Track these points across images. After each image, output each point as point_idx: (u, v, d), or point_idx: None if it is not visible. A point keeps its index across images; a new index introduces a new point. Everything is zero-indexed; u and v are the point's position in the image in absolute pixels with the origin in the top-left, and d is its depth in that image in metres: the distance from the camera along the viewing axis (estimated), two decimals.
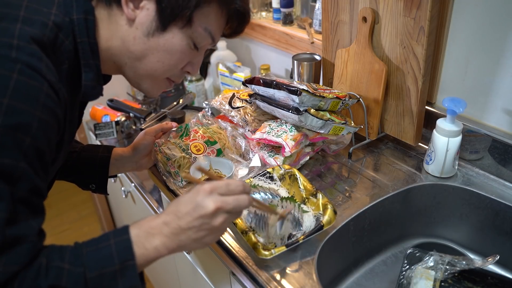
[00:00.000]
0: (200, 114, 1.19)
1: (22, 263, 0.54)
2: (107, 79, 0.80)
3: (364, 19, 1.04)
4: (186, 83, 1.65)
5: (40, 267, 0.56)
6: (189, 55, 0.76)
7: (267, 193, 0.92)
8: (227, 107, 1.19)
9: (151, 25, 0.70)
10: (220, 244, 0.89)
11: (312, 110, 0.98)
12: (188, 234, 0.65)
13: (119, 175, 1.53)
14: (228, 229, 0.91)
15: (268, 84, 1.04)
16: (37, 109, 0.57)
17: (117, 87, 1.80)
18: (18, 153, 0.56)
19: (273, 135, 1.03)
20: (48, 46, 0.61)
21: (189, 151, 1.06)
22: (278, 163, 1.02)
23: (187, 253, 1.16)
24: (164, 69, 0.75)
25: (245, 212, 0.89)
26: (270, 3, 1.59)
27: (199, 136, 1.10)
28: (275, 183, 0.97)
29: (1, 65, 0.56)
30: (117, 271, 0.60)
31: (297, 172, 0.95)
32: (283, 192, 0.94)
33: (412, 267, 0.87)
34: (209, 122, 1.18)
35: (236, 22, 0.77)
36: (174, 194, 1.03)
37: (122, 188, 1.55)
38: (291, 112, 0.99)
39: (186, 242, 0.66)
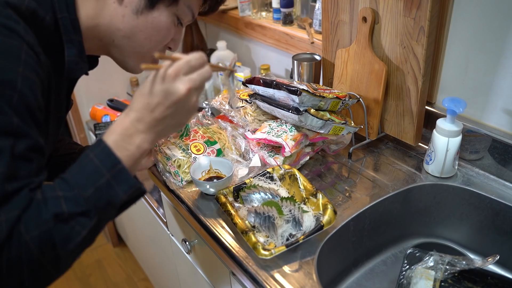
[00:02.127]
0: (200, 114, 1.19)
1: (21, 206, 0.54)
2: (93, 62, 0.81)
3: (364, 19, 1.04)
4: None
5: (38, 204, 0.55)
6: (173, 32, 0.79)
7: (267, 193, 0.93)
8: (227, 107, 1.19)
9: (139, 3, 0.72)
10: (220, 244, 0.89)
11: (312, 110, 0.98)
12: (165, 123, 0.64)
13: None
14: (228, 229, 0.91)
15: (268, 84, 1.04)
16: (19, 66, 0.57)
17: (117, 87, 1.80)
18: (8, 108, 0.55)
19: (273, 135, 1.03)
20: (28, 17, 0.62)
21: (189, 151, 1.06)
22: (278, 163, 1.02)
23: (187, 253, 1.16)
24: (151, 46, 0.78)
25: (245, 212, 0.89)
26: (270, 3, 1.59)
27: (199, 136, 1.10)
28: (275, 183, 0.97)
29: None
30: (109, 179, 0.59)
31: (297, 172, 0.95)
32: (283, 192, 0.94)
33: (412, 267, 0.87)
34: (209, 122, 1.18)
35: (214, 2, 0.82)
36: (174, 194, 1.03)
37: None
38: (291, 112, 0.99)
39: (165, 129, 0.65)
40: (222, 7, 1.75)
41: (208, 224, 0.93)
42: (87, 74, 0.77)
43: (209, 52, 1.80)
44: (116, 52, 0.78)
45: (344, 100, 1.03)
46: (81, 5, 0.71)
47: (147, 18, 0.73)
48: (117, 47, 0.77)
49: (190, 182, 1.04)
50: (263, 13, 1.66)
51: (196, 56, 0.63)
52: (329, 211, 0.84)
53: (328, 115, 1.00)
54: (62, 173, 0.60)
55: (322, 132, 1.02)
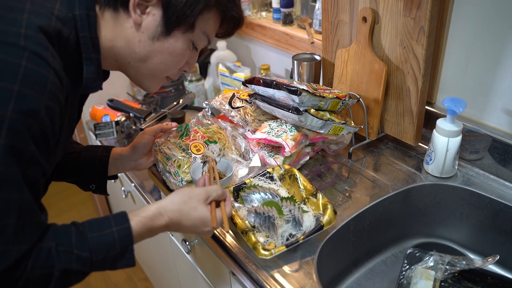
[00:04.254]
0: (200, 114, 1.19)
1: (31, 242, 0.59)
2: (105, 75, 0.83)
3: (364, 19, 1.04)
4: (186, 83, 1.65)
5: (50, 250, 0.61)
6: (187, 56, 0.81)
7: (267, 193, 0.93)
8: (227, 107, 1.19)
9: (156, 29, 0.74)
10: (220, 244, 0.89)
11: (312, 110, 0.98)
12: (184, 230, 0.78)
13: (119, 175, 1.53)
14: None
15: (268, 84, 1.04)
16: (44, 95, 0.60)
17: (117, 87, 1.80)
18: (28, 137, 0.59)
19: (273, 135, 1.03)
20: (53, 37, 0.64)
21: (189, 151, 1.06)
22: (278, 163, 1.02)
23: (187, 253, 1.16)
24: (166, 69, 0.80)
25: (245, 212, 0.89)
26: (270, 3, 1.59)
27: (199, 136, 1.10)
28: (275, 183, 0.97)
29: (10, 52, 0.58)
30: (118, 254, 0.68)
31: (297, 172, 0.95)
32: (283, 192, 0.94)
33: (412, 267, 0.87)
34: (209, 122, 1.18)
35: (231, 26, 0.83)
36: None
37: (122, 188, 1.55)
38: (291, 112, 0.99)
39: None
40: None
41: None
42: (101, 89, 0.79)
43: (209, 52, 1.80)
44: (131, 72, 0.80)
45: (344, 100, 1.03)
46: (101, 26, 0.73)
47: (163, 44, 0.75)
48: (132, 67, 0.79)
49: (190, 182, 1.04)
50: (263, 13, 1.66)
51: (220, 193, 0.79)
52: (329, 211, 0.84)
53: (328, 115, 1.00)
54: (65, 178, 0.66)
55: (322, 132, 1.02)
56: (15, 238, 0.57)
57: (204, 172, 1.02)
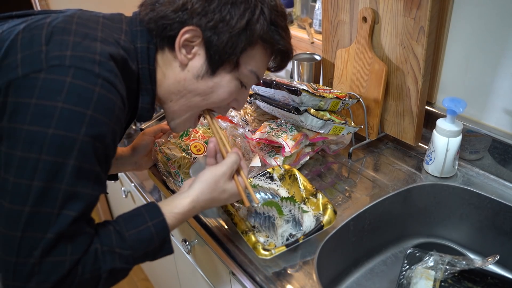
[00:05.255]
0: None
1: (82, 251, 0.62)
2: None
3: (364, 19, 1.04)
4: None
5: (96, 252, 0.63)
6: (235, 94, 0.80)
7: (267, 193, 0.92)
8: None
9: (201, 68, 0.74)
10: (220, 244, 0.89)
11: (312, 110, 0.98)
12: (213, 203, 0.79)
13: (119, 175, 1.53)
14: (228, 229, 0.91)
15: (268, 84, 1.04)
16: (112, 121, 0.64)
17: None
18: (95, 159, 0.62)
19: (273, 135, 1.03)
20: (120, 65, 0.67)
21: (189, 151, 1.06)
22: (278, 163, 1.02)
23: (187, 253, 1.16)
24: (207, 105, 0.80)
25: (245, 211, 0.89)
26: None
27: (199, 136, 1.10)
28: (275, 183, 0.97)
29: (86, 78, 0.61)
30: (157, 248, 0.70)
31: (297, 172, 0.95)
32: (283, 192, 0.94)
33: (412, 267, 0.87)
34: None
35: (280, 60, 0.81)
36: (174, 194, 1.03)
37: (122, 188, 1.55)
38: (291, 112, 0.99)
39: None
40: None
41: (208, 224, 0.93)
42: (151, 120, 0.81)
43: None
44: (173, 107, 0.79)
45: (344, 100, 1.03)
46: (157, 69, 0.75)
47: (207, 83, 0.75)
48: (175, 103, 0.79)
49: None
50: None
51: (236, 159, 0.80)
52: (329, 211, 0.84)
53: (328, 115, 1.00)
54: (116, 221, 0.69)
55: (322, 132, 1.02)
56: (68, 248, 0.61)
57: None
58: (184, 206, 0.74)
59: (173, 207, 0.73)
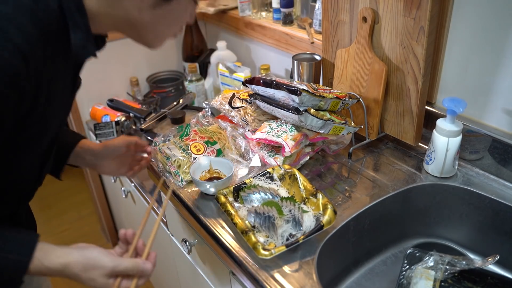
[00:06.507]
0: (200, 114, 1.19)
1: None
2: (101, 43, 0.78)
3: (364, 19, 1.04)
4: (186, 83, 1.65)
5: None
6: (189, 10, 0.76)
7: (267, 193, 0.93)
8: (227, 107, 1.19)
9: None
10: (220, 244, 0.89)
11: (312, 110, 0.98)
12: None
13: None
14: (228, 229, 0.91)
15: (268, 84, 1.04)
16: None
17: (117, 87, 1.80)
18: None
19: (273, 135, 1.03)
20: (24, 8, 0.60)
21: (189, 151, 1.06)
22: (278, 163, 1.02)
23: (187, 253, 1.16)
24: (170, 32, 0.77)
25: (245, 212, 0.89)
26: (270, 3, 1.59)
27: (199, 136, 1.10)
28: (275, 183, 0.97)
29: None
30: (4, 280, 0.67)
31: (297, 172, 0.95)
32: (283, 192, 0.94)
33: (412, 267, 0.87)
34: (209, 122, 1.18)
35: None
36: (174, 194, 1.03)
37: (122, 188, 1.55)
38: (291, 112, 0.99)
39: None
40: (222, 7, 1.75)
41: (208, 224, 0.93)
42: (95, 56, 0.74)
43: (209, 52, 1.80)
44: (133, 36, 0.76)
45: (344, 100, 1.03)
46: None
47: (164, 10, 0.71)
48: (134, 33, 0.75)
49: (190, 182, 1.04)
50: (263, 13, 1.66)
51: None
52: (329, 211, 0.84)
53: (328, 115, 1.00)
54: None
55: (322, 132, 1.02)
56: None
57: (204, 172, 1.02)
58: (55, 264, 0.69)
59: (45, 258, 0.68)
